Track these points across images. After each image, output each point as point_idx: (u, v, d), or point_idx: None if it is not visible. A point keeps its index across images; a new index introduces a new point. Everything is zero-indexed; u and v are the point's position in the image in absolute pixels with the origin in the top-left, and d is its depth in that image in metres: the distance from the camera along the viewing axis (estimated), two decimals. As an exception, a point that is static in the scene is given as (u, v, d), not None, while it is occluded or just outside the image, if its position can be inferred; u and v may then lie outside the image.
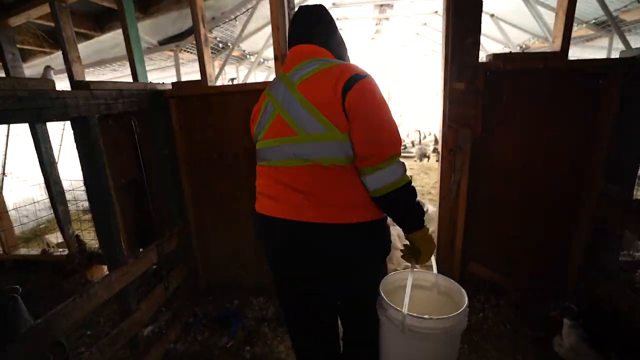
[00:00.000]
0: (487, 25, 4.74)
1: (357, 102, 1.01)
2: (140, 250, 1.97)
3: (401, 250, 1.24)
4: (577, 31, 3.24)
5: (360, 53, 9.87)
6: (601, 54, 3.70)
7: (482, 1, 1.63)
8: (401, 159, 1.07)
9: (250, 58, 4.22)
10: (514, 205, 1.98)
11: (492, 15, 4.59)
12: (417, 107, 10.71)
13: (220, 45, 3.24)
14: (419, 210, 1.12)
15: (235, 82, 4.09)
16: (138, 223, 2.33)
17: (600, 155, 1.81)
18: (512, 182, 1.95)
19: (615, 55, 3.50)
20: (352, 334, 1.30)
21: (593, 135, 1.80)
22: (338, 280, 1.15)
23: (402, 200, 1.08)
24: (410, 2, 4.65)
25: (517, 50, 4.73)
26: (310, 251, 1.10)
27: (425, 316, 1.07)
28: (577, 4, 2.88)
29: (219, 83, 4.04)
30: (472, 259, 2.11)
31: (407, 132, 8.70)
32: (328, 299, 1.22)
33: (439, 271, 1.32)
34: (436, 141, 8.08)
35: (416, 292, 1.31)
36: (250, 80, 5.11)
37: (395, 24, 5.97)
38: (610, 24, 3.02)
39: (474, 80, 1.74)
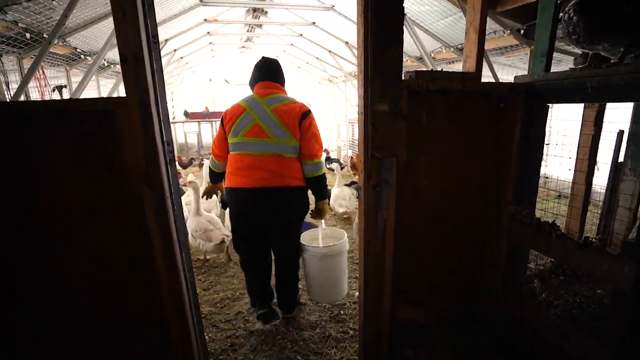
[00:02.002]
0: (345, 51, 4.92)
1: (306, 127, 2.00)
2: None
3: (311, 212, 2.28)
4: (443, 53, 3.52)
5: (230, 64, 9.27)
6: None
7: (403, 7, 1.36)
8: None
9: (87, 59, 3.11)
10: (435, 236, 1.81)
11: (346, 43, 4.74)
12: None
13: (29, 36, 2.15)
14: (326, 189, 2.17)
15: (65, 92, 2.93)
16: None
17: (509, 178, 1.80)
18: (433, 211, 1.77)
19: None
20: (285, 252, 2.21)
21: (503, 159, 1.78)
22: (282, 217, 2.09)
23: (318, 182, 2.10)
24: (285, 10, 4.35)
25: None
26: (273, 201, 2.01)
27: (320, 244, 2.29)
28: (447, 30, 3.05)
29: (35, 96, 2.82)
30: (399, 303, 1.85)
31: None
32: (270, 231, 2.14)
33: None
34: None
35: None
36: (90, 91, 3.88)
37: (269, 31, 5.62)
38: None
39: (397, 101, 1.46)
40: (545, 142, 1.75)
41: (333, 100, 8.31)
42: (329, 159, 7.08)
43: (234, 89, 9.51)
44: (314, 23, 4.53)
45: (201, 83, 9.80)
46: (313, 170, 2.05)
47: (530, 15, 2.38)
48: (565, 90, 1.54)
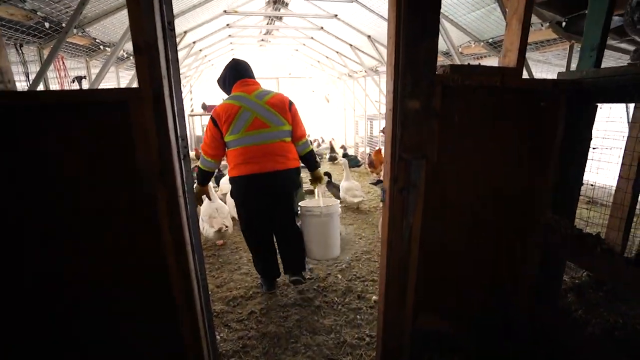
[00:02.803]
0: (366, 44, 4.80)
1: (294, 112, 2.36)
2: None
3: (309, 180, 2.73)
4: (472, 48, 3.33)
5: (249, 58, 9.24)
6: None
7: (441, -6, 1.23)
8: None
9: (106, 50, 3.09)
10: (464, 242, 1.68)
11: (369, 37, 4.58)
12: (309, 114, 10.63)
13: (48, 25, 2.12)
14: (316, 160, 2.60)
15: (84, 83, 2.93)
16: None
17: (547, 184, 1.65)
18: (463, 216, 1.64)
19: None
20: (290, 226, 2.49)
21: (541, 163, 1.63)
22: (287, 196, 2.39)
23: (311, 156, 2.51)
24: (306, 1, 4.23)
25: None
26: (282, 182, 2.31)
27: (321, 205, 2.61)
28: (478, 23, 2.86)
29: (55, 87, 2.82)
30: (421, 311, 1.74)
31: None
32: (278, 208, 2.40)
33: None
34: (332, 149, 8.00)
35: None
36: (110, 83, 3.88)
37: (289, 24, 5.51)
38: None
39: (430, 97, 1.34)
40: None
41: (352, 95, 8.15)
42: (346, 155, 6.96)
43: (252, 82, 9.47)
44: (336, 16, 4.39)
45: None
46: (304, 148, 2.44)
47: (574, 6, 2.19)
48: (622, 88, 1.38)
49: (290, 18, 5.16)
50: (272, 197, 2.31)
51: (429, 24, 1.25)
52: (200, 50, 5.75)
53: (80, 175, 1.15)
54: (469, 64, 1.56)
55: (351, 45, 5.45)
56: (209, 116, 2.34)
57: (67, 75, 2.75)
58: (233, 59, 2.45)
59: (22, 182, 1.12)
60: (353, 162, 6.74)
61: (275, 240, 2.56)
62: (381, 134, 6.54)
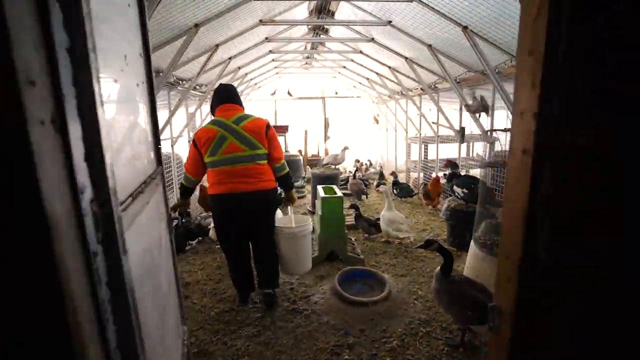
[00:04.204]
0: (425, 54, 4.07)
1: (271, 136, 2.44)
2: None
3: (283, 202, 2.84)
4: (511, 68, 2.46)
5: (293, 78, 9.11)
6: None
7: None
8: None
9: (158, 75, 2.76)
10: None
11: (429, 46, 3.87)
12: (355, 136, 10.08)
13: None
14: (291, 182, 2.68)
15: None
16: None
17: None
18: None
19: None
20: (265, 243, 2.59)
21: None
22: (262, 215, 2.49)
23: (286, 178, 2.58)
24: (353, 7, 3.65)
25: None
26: (255, 202, 2.39)
27: (292, 226, 2.69)
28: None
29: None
30: None
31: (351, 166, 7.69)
32: (253, 226, 2.50)
33: None
34: (381, 175, 7.22)
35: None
36: (161, 111, 3.59)
37: (336, 35, 5.00)
38: None
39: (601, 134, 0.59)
40: None
41: (405, 115, 7.37)
42: (396, 183, 6.13)
43: (295, 102, 9.17)
44: (390, 22, 3.73)
45: (264, 102, 9.83)
46: (281, 169, 2.55)
47: None
48: None
49: (337, 28, 4.61)
50: (245, 215, 2.46)
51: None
52: (246, 74, 5.42)
53: None
54: None
55: (407, 58, 4.74)
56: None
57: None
58: (220, 84, 2.63)
59: None
60: (405, 190, 5.89)
61: (252, 254, 2.71)
62: (442, 161, 5.65)
